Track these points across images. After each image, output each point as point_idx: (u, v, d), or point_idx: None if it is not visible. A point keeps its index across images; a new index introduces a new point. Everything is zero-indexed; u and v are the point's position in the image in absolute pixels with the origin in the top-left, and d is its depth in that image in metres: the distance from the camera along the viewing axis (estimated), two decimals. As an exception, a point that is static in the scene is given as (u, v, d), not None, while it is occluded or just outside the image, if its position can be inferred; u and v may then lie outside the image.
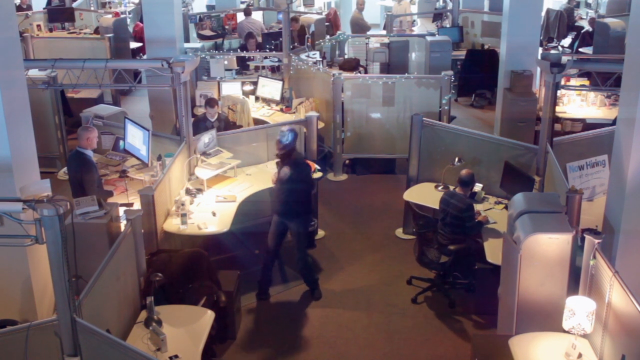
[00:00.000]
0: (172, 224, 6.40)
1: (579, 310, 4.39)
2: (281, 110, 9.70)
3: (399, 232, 8.11)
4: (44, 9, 14.38)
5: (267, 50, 11.72)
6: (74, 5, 14.95)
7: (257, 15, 14.82)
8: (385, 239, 8.00)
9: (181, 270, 5.63)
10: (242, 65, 11.47)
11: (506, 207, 6.65)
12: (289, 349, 6.16)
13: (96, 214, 5.46)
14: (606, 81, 6.91)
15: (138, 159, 7.50)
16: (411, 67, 11.69)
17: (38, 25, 13.03)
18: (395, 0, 15.75)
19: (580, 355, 4.52)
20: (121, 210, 5.88)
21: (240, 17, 14.29)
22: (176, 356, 4.79)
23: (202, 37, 13.93)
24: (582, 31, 13.83)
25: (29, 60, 9.49)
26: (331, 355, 6.06)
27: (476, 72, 12.29)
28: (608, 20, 12.16)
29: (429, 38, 11.61)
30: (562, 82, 7.12)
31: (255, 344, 6.22)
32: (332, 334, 6.31)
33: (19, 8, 14.15)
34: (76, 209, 5.41)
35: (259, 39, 12.48)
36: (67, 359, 4.01)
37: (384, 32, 13.65)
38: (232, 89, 10.03)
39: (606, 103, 9.94)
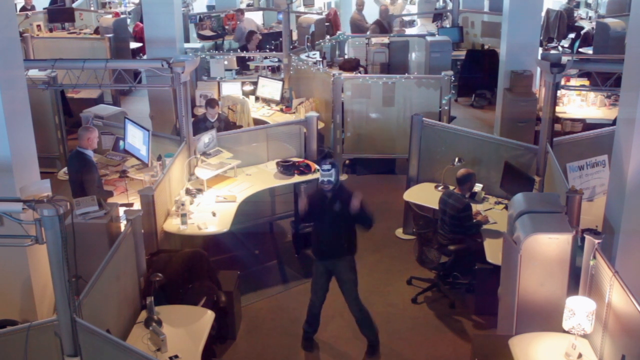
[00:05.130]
0: (172, 224, 6.40)
1: (579, 310, 4.39)
2: (281, 110, 9.70)
3: (399, 232, 8.11)
4: (44, 9, 14.38)
5: (267, 50, 11.72)
6: (74, 5, 14.96)
7: (258, 15, 14.85)
8: (385, 239, 8.00)
9: (181, 270, 5.63)
10: (242, 65, 11.47)
11: (506, 207, 6.65)
12: (289, 349, 6.16)
13: (96, 214, 5.45)
14: (606, 81, 6.92)
15: (138, 159, 7.50)
16: (411, 67, 11.69)
17: (38, 25, 13.03)
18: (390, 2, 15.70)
19: (580, 355, 4.52)
20: (121, 210, 5.89)
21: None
22: (176, 356, 4.79)
23: (202, 37, 13.93)
24: (583, 31, 13.82)
25: (29, 60, 9.50)
26: (331, 355, 6.06)
27: (476, 72, 12.29)
28: (608, 20, 12.16)
29: (429, 38, 11.61)
30: (562, 82, 7.13)
31: (255, 344, 6.22)
32: (332, 334, 6.31)
33: (23, 8, 14.17)
34: (76, 209, 5.41)
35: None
36: (67, 359, 4.01)
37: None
38: (232, 89, 10.03)
39: (606, 103, 9.94)
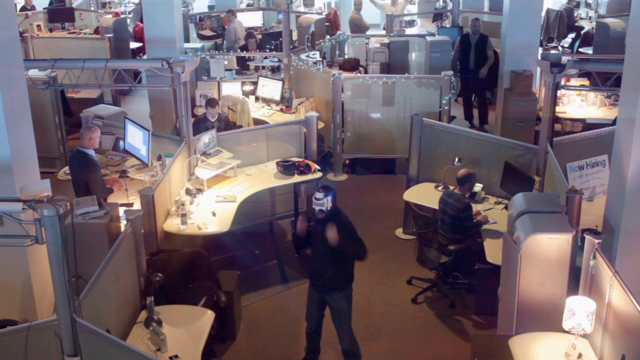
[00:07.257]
0: (172, 224, 6.41)
1: (579, 310, 4.39)
2: (281, 110, 9.70)
3: (399, 232, 8.11)
4: (44, 9, 14.38)
5: (267, 50, 11.72)
6: (74, 5, 14.96)
7: (258, 16, 14.84)
8: (385, 239, 8.00)
9: (181, 270, 5.63)
10: (242, 65, 11.48)
11: (506, 207, 6.65)
12: (289, 349, 6.16)
13: (96, 214, 5.46)
14: (606, 81, 6.92)
15: (138, 159, 7.50)
16: (411, 67, 11.69)
17: (38, 25, 13.02)
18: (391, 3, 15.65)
19: (580, 355, 4.52)
20: (121, 210, 5.89)
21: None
22: (176, 356, 4.79)
23: (202, 37, 13.93)
24: (583, 31, 13.82)
25: (29, 60, 9.49)
26: (331, 355, 6.06)
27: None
28: (608, 20, 12.15)
29: (429, 38, 11.60)
30: (562, 82, 7.13)
31: (255, 344, 6.22)
32: (332, 334, 6.29)
33: (23, 8, 14.17)
34: (76, 209, 5.41)
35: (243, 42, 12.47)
36: (67, 359, 4.01)
37: (384, 32, 13.64)
38: (232, 89, 10.04)
39: (606, 103, 9.94)
